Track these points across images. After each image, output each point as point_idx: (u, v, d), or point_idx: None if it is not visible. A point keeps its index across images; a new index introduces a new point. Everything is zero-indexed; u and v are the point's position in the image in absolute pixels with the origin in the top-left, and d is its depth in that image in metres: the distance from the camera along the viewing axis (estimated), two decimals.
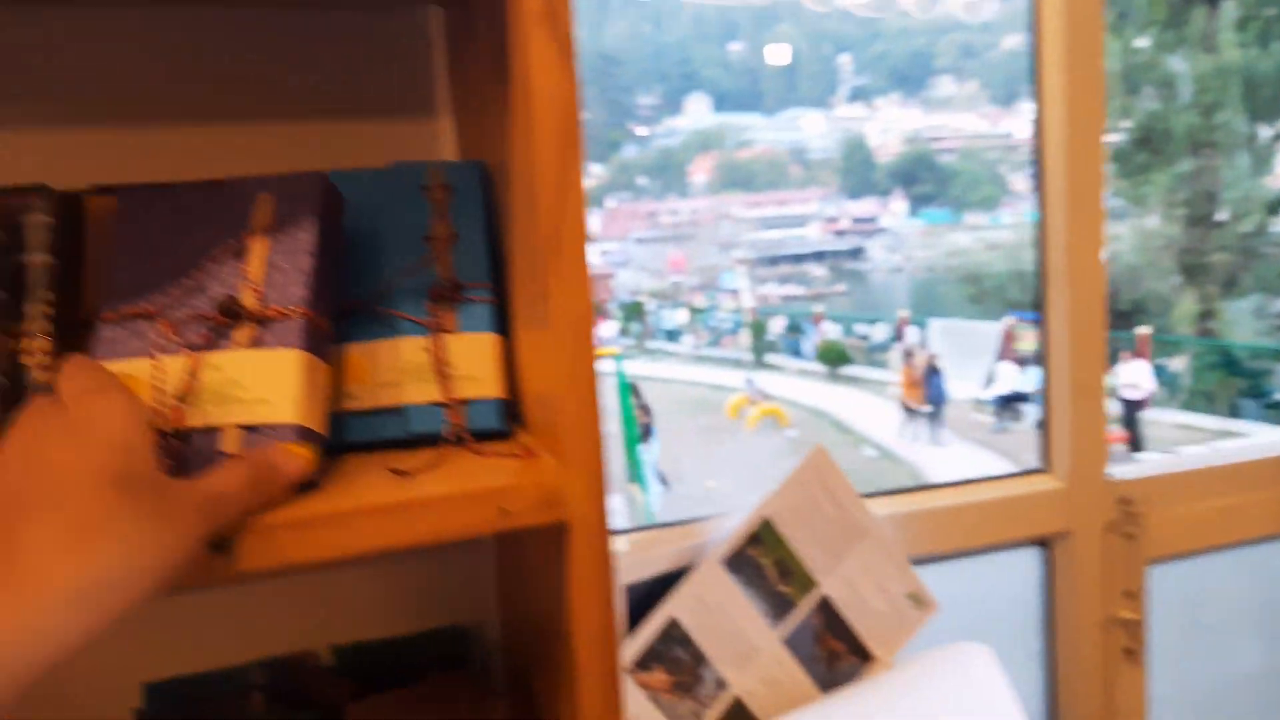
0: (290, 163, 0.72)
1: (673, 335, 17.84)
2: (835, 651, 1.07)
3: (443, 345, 0.58)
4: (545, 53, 0.46)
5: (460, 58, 0.71)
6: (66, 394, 0.44)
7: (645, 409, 8.31)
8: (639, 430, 7.64)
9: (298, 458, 0.48)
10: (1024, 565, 1.31)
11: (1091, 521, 1.26)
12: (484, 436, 0.58)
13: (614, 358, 8.05)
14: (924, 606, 1.09)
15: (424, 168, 0.61)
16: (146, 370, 0.50)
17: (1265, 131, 11.73)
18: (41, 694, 0.36)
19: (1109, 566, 1.27)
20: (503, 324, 0.61)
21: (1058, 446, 1.28)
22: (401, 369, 0.58)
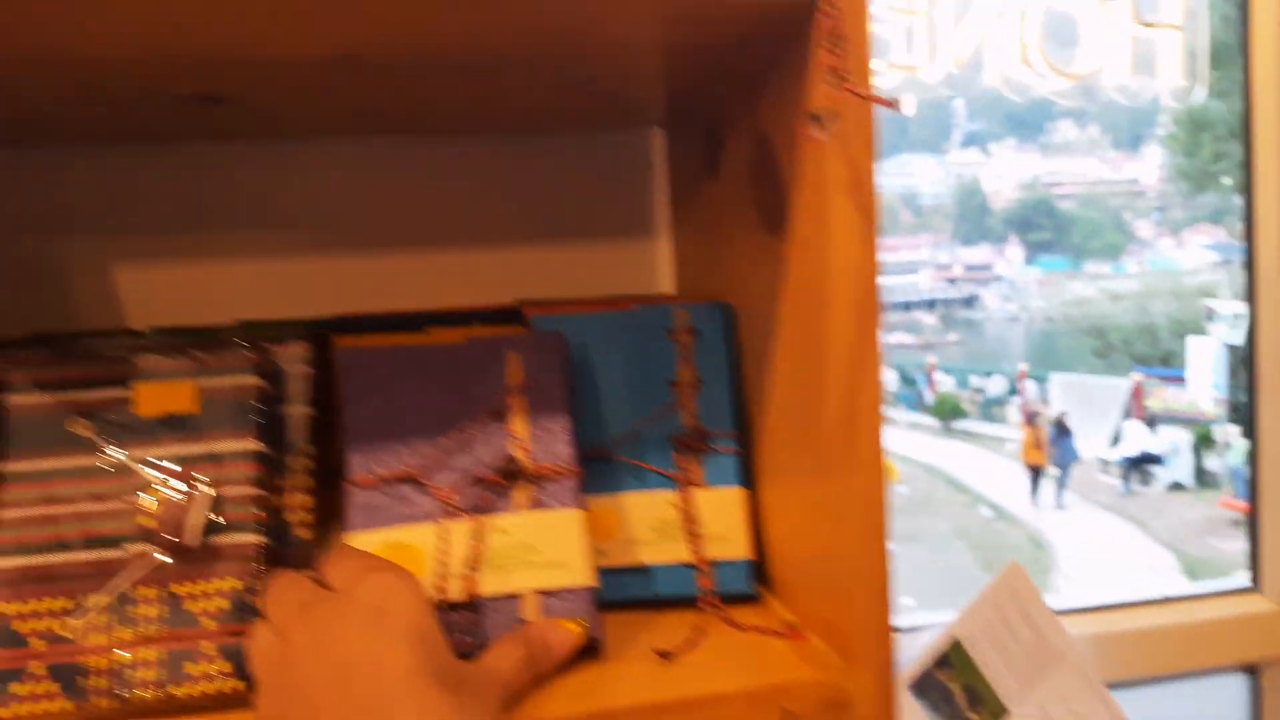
0: (509, 286, 0.72)
1: None
2: None
3: (691, 500, 0.55)
4: (849, 223, 0.43)
5: (687, 183, 0.69)
6: (336, 577, 0.43)
7: None
8: None
9: (572, 635, 0.47)
10: (1229, 693, 1.19)
11: None
12: (731, 599, 0.55)
13: None
14: None
15: (669, 310, 0.58)
16: (425, 537, 0.49)
17: None
18: None
19: None
20: (746, 475, 0.57)
21: (1270, 563, 1.16)
22: (648, 525, 0.55)
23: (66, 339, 0.62)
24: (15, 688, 0.44)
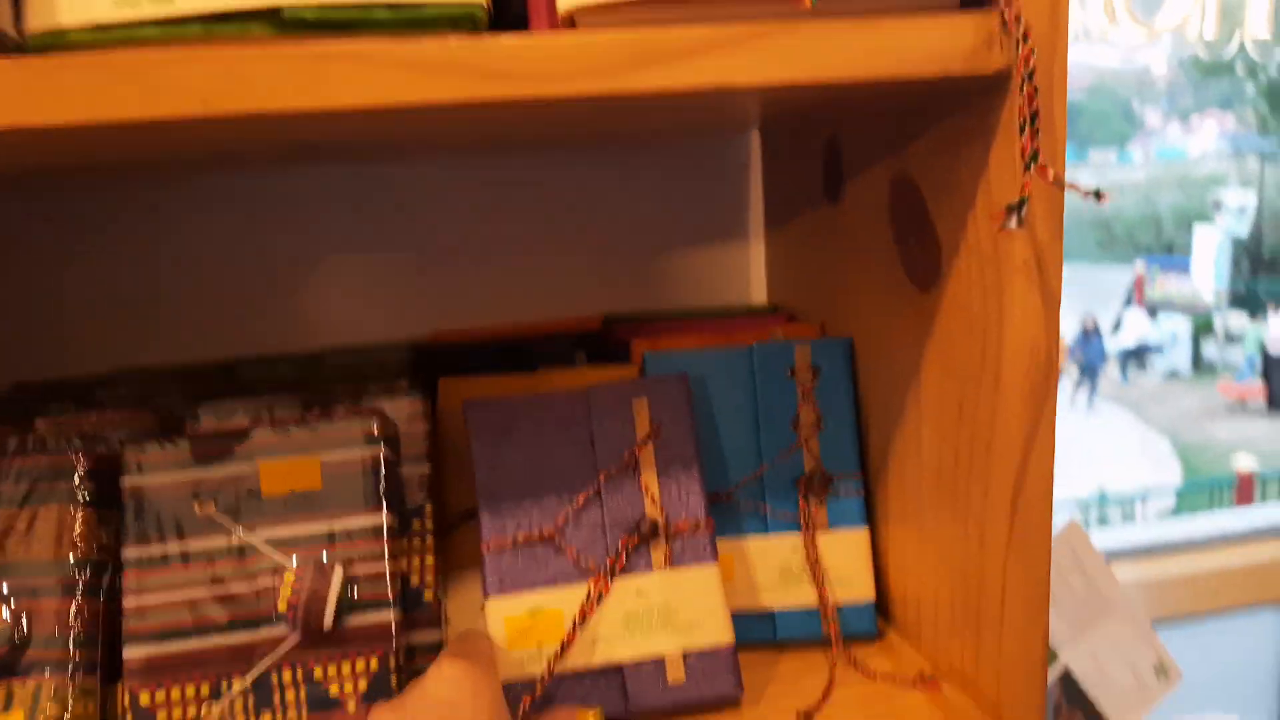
0: (600, 296, 0.70)
1: None
2: None
3: (815, 544, 0.54)
4: (1029, 306, 0.40)
5: (792, 194, 0.65)
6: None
7: None
8: None
9: None
10: (1267, 628, 1.23)
11: None
12: (854, 640, 0.55)
13: None
14: (1168, 678, 1.03)
15: (790, 348, 0.56)
16: (564, 601, 0.48)
17: None
18: None
19: None
20: (869, 516, 0.56)
21: None
22: (772, 569, 0.55)
23: (150, 376, 0.60)
24: None
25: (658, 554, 0.49)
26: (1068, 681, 1.03)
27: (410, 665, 0.48)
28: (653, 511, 0.49)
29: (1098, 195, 0.36)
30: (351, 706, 0.46)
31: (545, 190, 0.68)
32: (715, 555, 0.50)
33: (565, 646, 0.48)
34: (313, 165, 0.65)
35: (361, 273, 0.67)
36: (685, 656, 0.48)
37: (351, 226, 0.67)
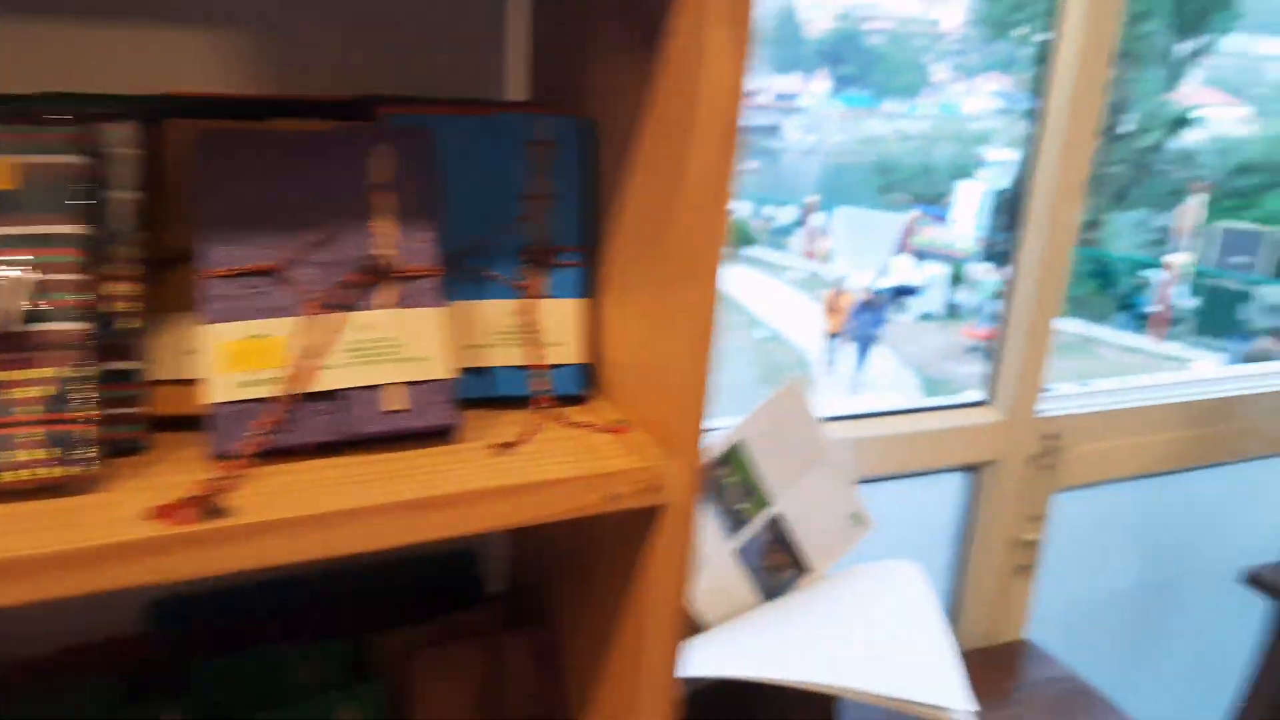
0: (347, 79, 0.69)
1: None
2: (779, 564, 1.15)
3: (532, 310, 0.58)
4: (724, 54, 0.44)
5: None
6: None
7: None
8: None
9: None
10: (951, 488, 1.41)
11: (1018, 452, 1.36)
12: (565, 400, 0.60)
13: None
14: (862, 525, 1.17)
15: (530, 121, 0.58)
16: (283, 330, 0.49)
17: (1183, 46, 11.79)
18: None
19: (1023, 493, 1.38)
20: (588, 287, 0.61)
21: (1004, 383, 1.35)
22: (490, 331, 0.58)
23: None
24: None
25: (388, 294, 0.51)
26: (776, 526, 1.14)
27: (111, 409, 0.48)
28: (384, 254, 0.51)
29: None
30: (36, 413, 0.45)
31: None
32: (442, 301, 0.52)
33: (287, 372, 0.49)
34: None
35: (80, 10, 0.62)
36: (408, 386, 0.51)
37: None
